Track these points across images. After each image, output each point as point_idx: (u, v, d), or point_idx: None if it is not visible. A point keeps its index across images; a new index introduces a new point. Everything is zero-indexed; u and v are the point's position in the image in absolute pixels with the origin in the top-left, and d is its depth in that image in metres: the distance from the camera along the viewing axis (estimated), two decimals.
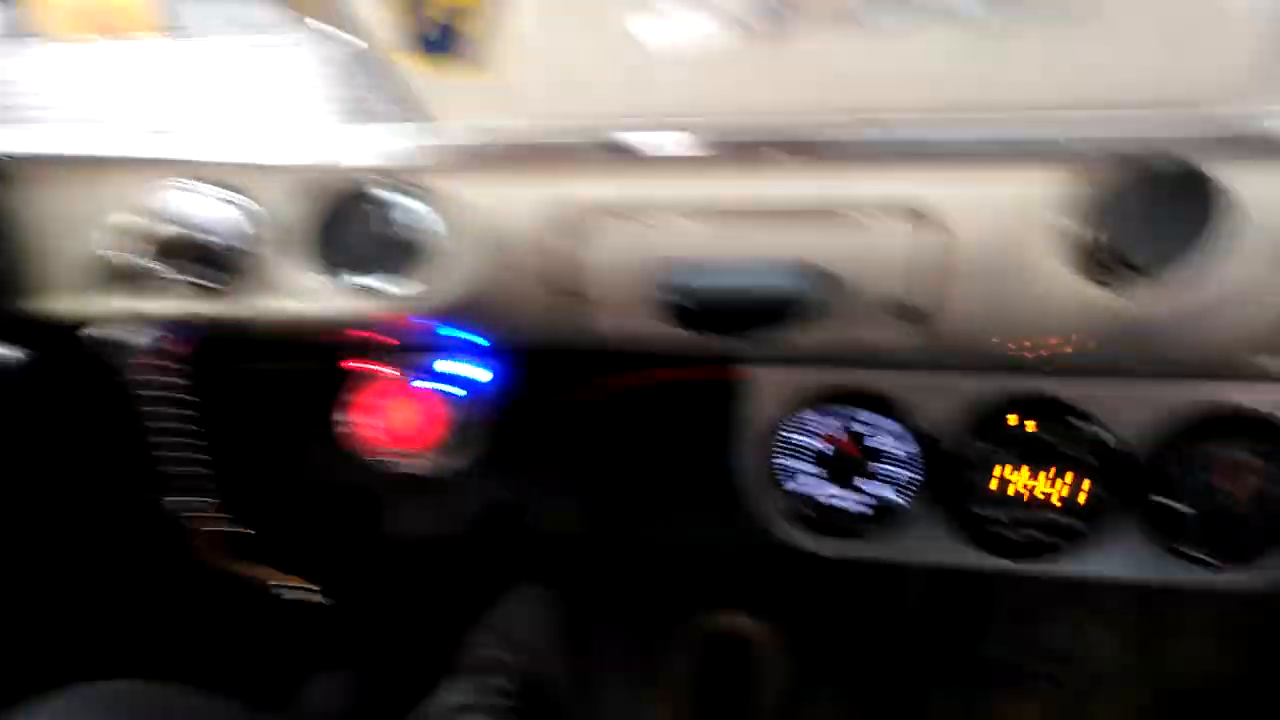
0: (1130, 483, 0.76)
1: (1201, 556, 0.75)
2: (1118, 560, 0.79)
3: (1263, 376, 0.73)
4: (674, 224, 0.60)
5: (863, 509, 0.81)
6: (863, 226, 0.58)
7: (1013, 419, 0.77)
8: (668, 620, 1.19)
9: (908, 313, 0.62)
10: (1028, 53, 0.53)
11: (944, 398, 0.79)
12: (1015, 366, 0.77)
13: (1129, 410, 0.76)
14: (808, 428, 0.81)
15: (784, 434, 0.81)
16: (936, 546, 0.82)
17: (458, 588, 1.72)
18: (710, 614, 1.13)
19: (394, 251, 0.60)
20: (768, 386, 0.82)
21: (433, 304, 0.63)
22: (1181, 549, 0.75)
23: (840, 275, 0.60)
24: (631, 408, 1.36)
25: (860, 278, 0.60)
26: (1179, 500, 0.75)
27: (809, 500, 0.82)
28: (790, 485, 0.82)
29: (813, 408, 0.81)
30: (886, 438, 0.80)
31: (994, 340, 0.64)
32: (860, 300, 0.61)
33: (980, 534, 0.80)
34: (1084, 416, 0.76)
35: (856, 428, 0.81)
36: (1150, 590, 1.59)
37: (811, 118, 0.56)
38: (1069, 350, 0.64)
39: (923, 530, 0.82)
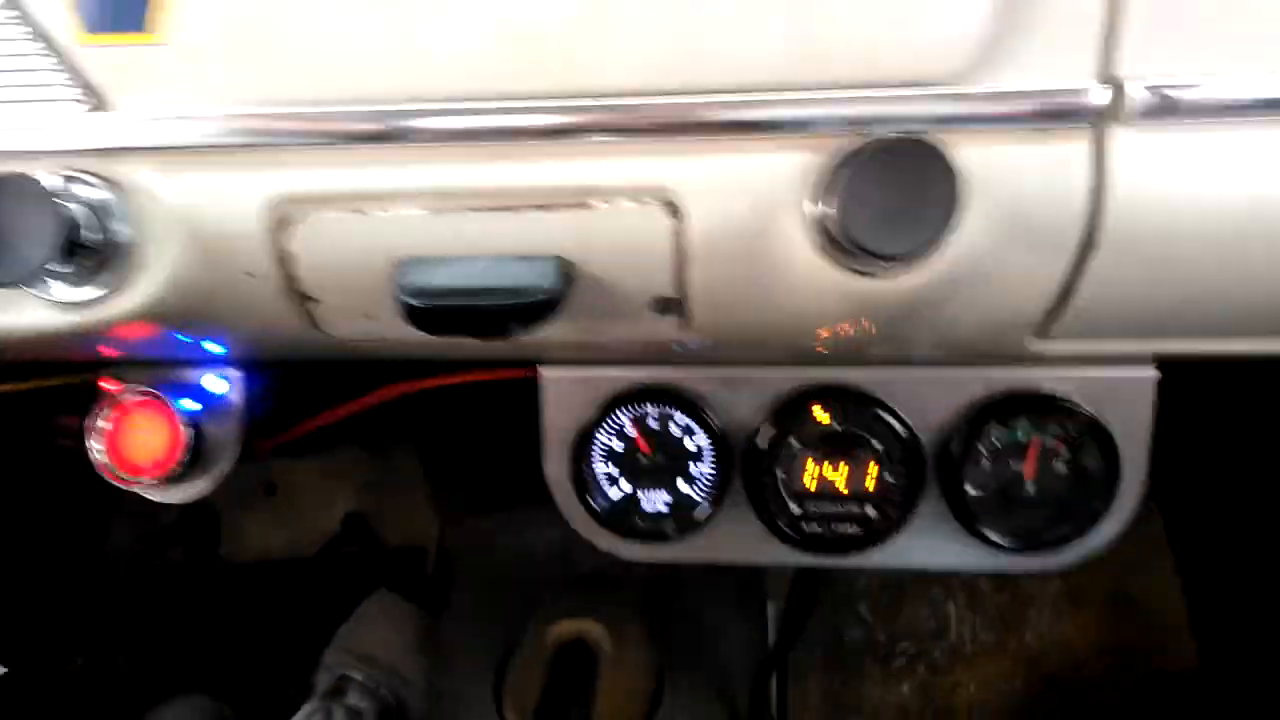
0: (926, 471, 0.73)
1: (997, 540, 0.74)
2: (928, 550, 0.77)
3: (1049, 360, 0.71)
4: (401, 216, 0.54)
5: (662, 509, 0.77)
6: (605, 214, 0.53)
7: (812, 411, 0.73)
8: (518, 628, 1.13)
9: (664, 305, 0.58)
10: (764, 32, 0.49)
11: (744, 392, 0.76)
12: (815, 359, 0.74)
13: (924, 397, 0.74)
14: (604, 428, 0.77)
15: (581, 435, 0.76)
16: (745, 545, 0.79)
17: (311, 604, 1.64)
18: (557, 621, 1.08)
19: (76, 253, 0.52)
20: (561, 387, 0.77)
21: (132, 311, 0.56)
22: (982, 533, 0.73)
23: (586, 267, 0.55)
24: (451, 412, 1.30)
25: (608, 269, 0.55)
26: (971, 485, 0.73)
27: (609, 502, 0.78)
28: (590, 487, 0.77)
29: (609, 407, 0.76)
30: (685, 435, 0.76)
31: (757, 332, 0.60)
32: (613, 293, 0.57)
33: (787, 530, 0.76)
34: (881, 406, 0.73)
35: (654, 425, 0.77)
36: None
37: (543, 99, 0.51)
38: (838, 339, 0.61)
39: (730, 529, 0.78)
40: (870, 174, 0.48)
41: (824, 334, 0.61)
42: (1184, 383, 1.44)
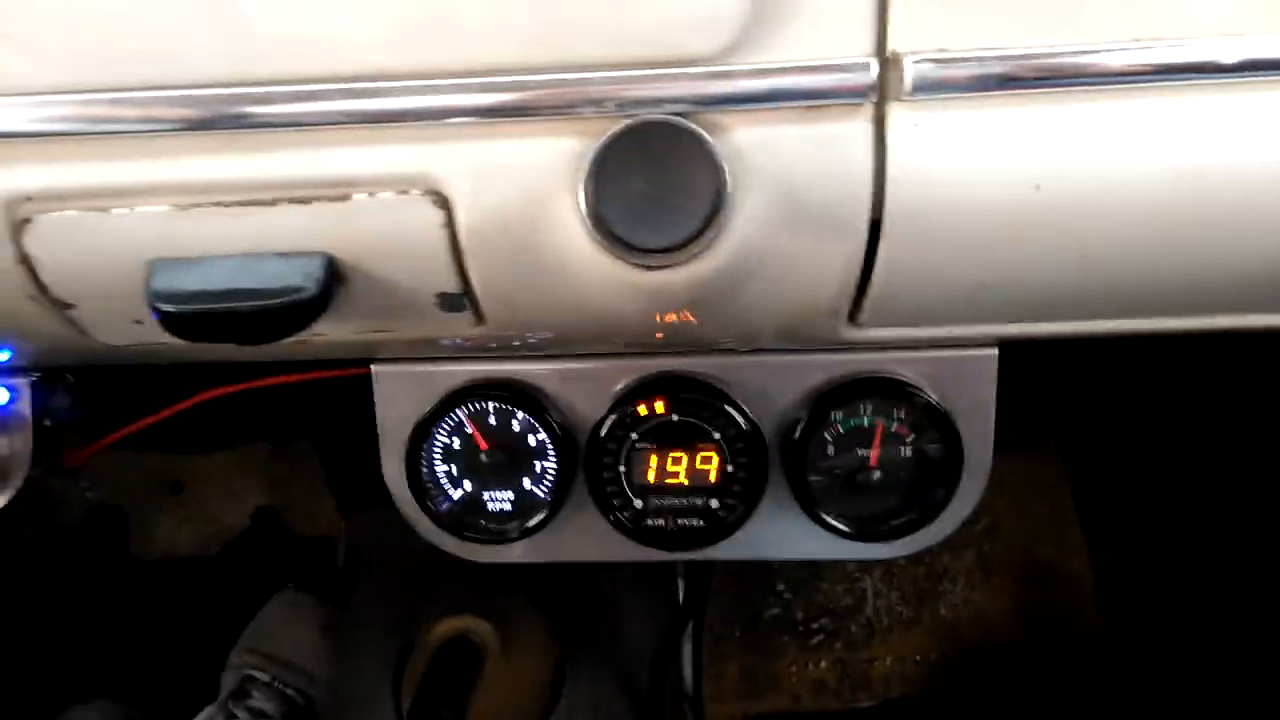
0: (769, 460, 0.71)
1: (843, 528, 0.72)
2: (775, 540, 0.75)
3: (889, 344, 0.69)
4: (146, 213, 0.50)
5: (506, 508, 0.74)
6: (369, 206, 0.50)
7: (651, 404, 0.71)
8: (410, 625, 1.10)
9: (450, 301, 0.54)
10: (515, 8, 0.45)
11: (584, 385, 0.73)
12: (655, 349, 0.71)
13: (766, 385, 0.72)
14: (441, 426, 0.74)
15: (416, 433, 0.73)
16: (591, 543, 0.76)
17: (220, 602, 1.60)
18: (441, 619, 1.05)
19: None
20: (394, 383, 0.73)
21: None
22: (825, 522, 0.71)
23: (357, 263, 0.51)
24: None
25: (380, 265, 0.52)
26: (815, 474, 0.71)
27: (451, 503, 0.75)
28: (429, 488, 0.74)
29: (445, 404, 0.73)
30: (526, 432, 0.73)
31: (557, 326, 0.57)
32: (391, 291, 0.53)
33: (632, 527, 0.74)
34: (721, 396, 0.70)
35: (493, 422, 0.74)
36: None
37: (291, 83, 0.47)
38: (648, 331, 0.58)
39: (575, 526, 0.76)
40: (626, 161, 0.45)
41: (629, 328, 0.58)
42: (1092, 358, 1.44)
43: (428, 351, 0.69)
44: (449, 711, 0.89)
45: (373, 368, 0.73)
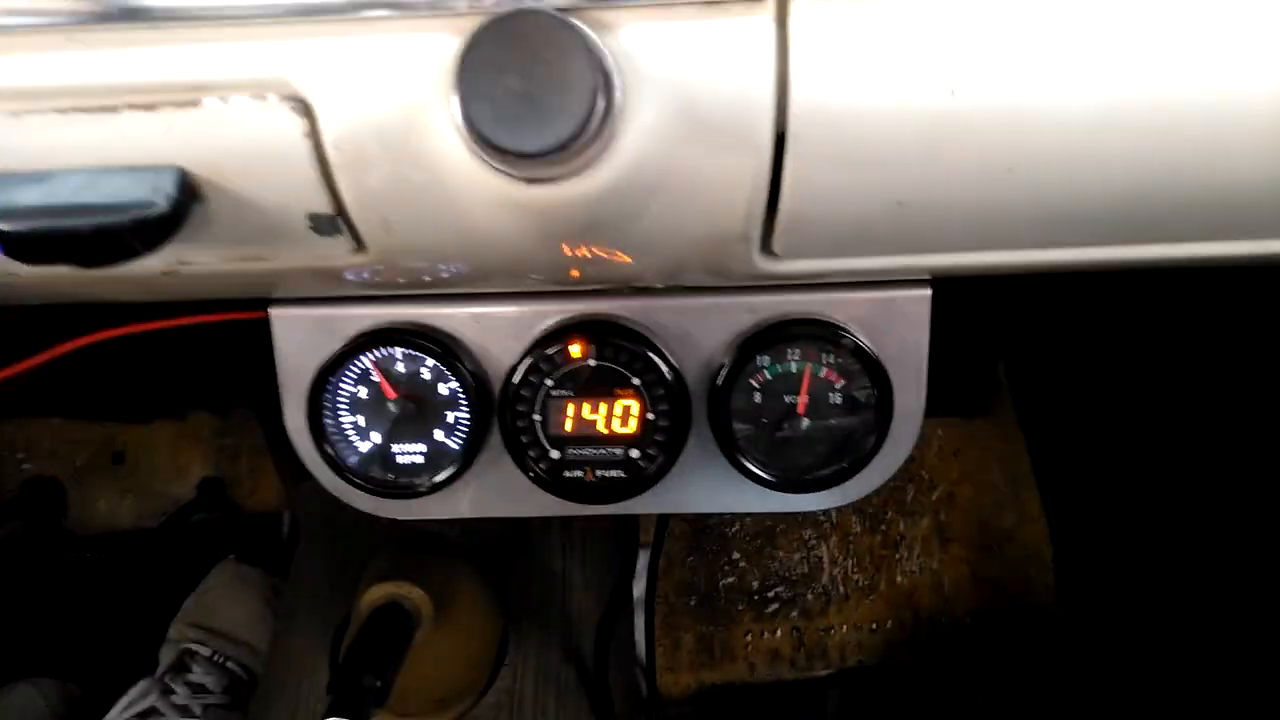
0: (693, 409, 0.67)
1: (769, 479, 0.68)
2: (699, 492, 0.72)
3: (819, 285, 0.65)
4: None
5: (417, 461, 0.70)
6: (223, 114, 0.45)
7: (567, 349, 0.67)
8: (351, 595, 1.06)
9: (322, 223, 0.50)
10: None
11: (499, 329, 0.69)
12: (574, 289, 0.67)
13: (690, 329, 0.68)
14: (346, 374, 0.69)
15: (317, 382, 0.68)
16: (507, 497, 0.72)
17: (162, 575, 1.55)
18: (373, 585, 1.01)
19: None
20: (294, 328, 0.69)
21: None
22: (750, 472, 0.68)
23: (214, 179, 0.47)
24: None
25: (240, 181, 0.47)
26: (740, 422, 0.68)
27: (358, 456, 0.70)
28: (334, 440, 0.70)
29: (349, 351, 0.68)
30: (437, 380, 0.69)
31: (446, 254, 0.53)
32: (256, 210, 0.48)
33: (551, 479, 0.70)
34: (640, 340, 0.66)
35: (401, 369, 0.69)
36: (880, 508, 1.59)
37: None
38: (547, 264, 0.54)
39: (490, 480, 0.72)
40: (497, 57, 0.41)
41: (534, 261, 0.54)
42: (1056, 323, 1.41)
43: (329, 290, 0.64)
44: (374, 678, 0.84)
45: (270, 310, 0.68)
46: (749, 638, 1.56)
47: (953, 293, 0.67)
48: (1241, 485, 1.19)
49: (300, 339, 0.69)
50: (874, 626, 1.55)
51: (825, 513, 1.59)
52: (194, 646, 1.44)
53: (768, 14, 0.43)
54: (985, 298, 1.15)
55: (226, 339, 1.28)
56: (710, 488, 0.71)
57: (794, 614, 1.58)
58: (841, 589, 1.60)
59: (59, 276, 0.53)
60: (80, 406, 1.69)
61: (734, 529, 1.62)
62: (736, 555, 1.62)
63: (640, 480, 0.70)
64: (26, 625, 1.55)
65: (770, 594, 1.59)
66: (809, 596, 1.59)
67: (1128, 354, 1.39)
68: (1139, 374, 1.37)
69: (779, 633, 1.58)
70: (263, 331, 0.71)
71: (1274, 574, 1.09)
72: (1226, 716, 1.12)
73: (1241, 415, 1.19)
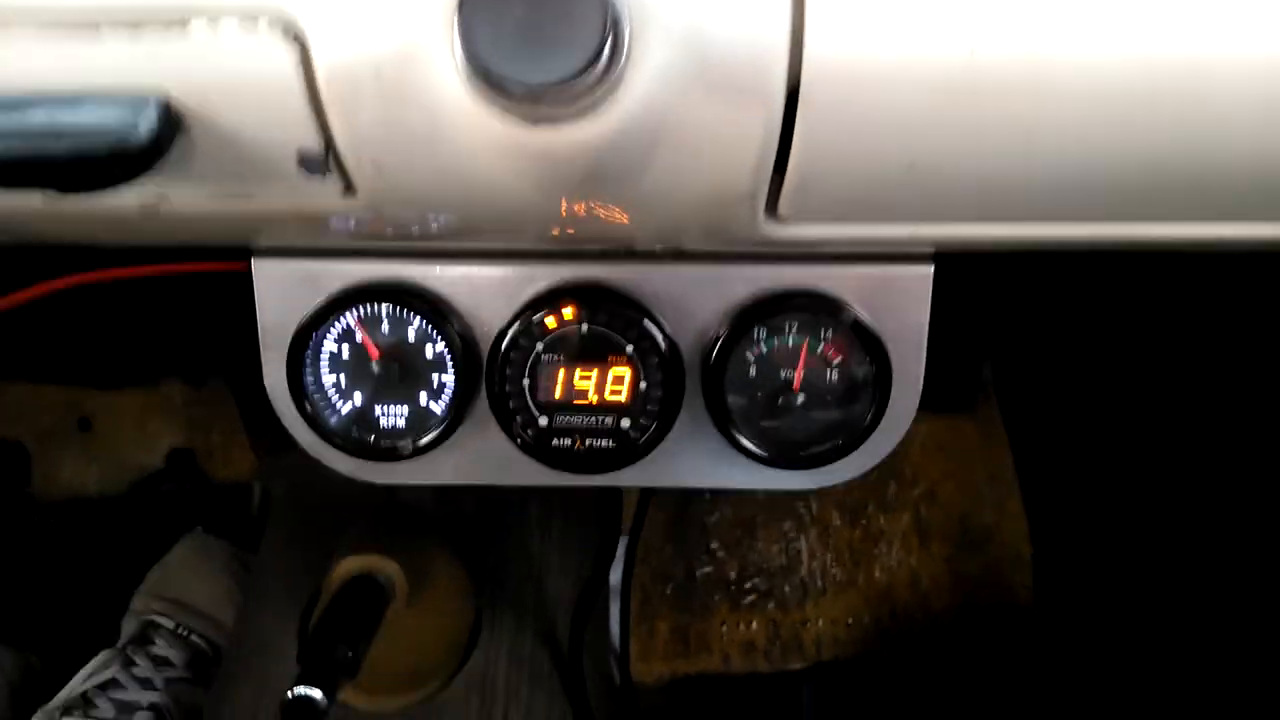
0: (686, 379, 0.65)
1: (762, 454, 0.66)
2: (690, 466, 0.70)
3: (820, 256, 0.63)
4: None
5: (399, 424, 0.68)
6: (212, 41, 0.43)
7: (560, 312, 0.65)
8: (321, 569, 1.04)
9: (312, 162, 0.47)
10: None
11: (490, 290, 0.67)
12: (569, 251, 0.65)
13: (687, 297, 0.66)
14: (329, 331, 0.67)
15: (298, 338, 0.66)
16: (492, 464, 0.70)
17: (128, 546, 1.52)
18: (347, 556, 0.99)
19: None
20: (277, 281, 0.66)
21: None
22: (743, 446, 0.66)
23: (200, 110, 0.44)
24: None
25: (227, 114, 0.45)
26: (735, 395, 0.66)
27: (339, 416, 0.68)
28: (314, 399, 0.67)
29: (332, 307, 0.66)
30: (424, 341, 0.67)
31: (442, 202, 0.51)
32: (243, 146, 0.46)
33: (538, 446, 0.68)
34: (635, 306, 0.64)
35: (386, 329, 0.67)
36: (860, 503, 1.58)
37: None
38: (550, 217, 0.52)
39: (475, 446, 0.70)
40: None
41: (531, 213, 0.52)
42: (1044, 322, 1.40)
43: (314, 240, 0.62)
44: (345, 648, 0.82)
45: (254, 262, 0.65)
46: (724, 629, 1.55)
47: (943, 290, 0.66)
48: (1222, 488, 1.19)
49: (282, 292, 0.67)
50: (850, 621, 1.54)
51: (806, 505, 1.58)
52: (157, 618, 1.41)
53: None
54: (974, 298, 1.14)
55: (199, 305, 1.25)
56: (701, 462, 0.70)
57: (770, 606, 1.57)
58: (819, 582, 1.58)
59: (29, 209, 0.51)
60: (47, 370, 1.65)
61: (714, 518, 1.61)
62: (715, 545, 1.60)
63: (630, 451, 0.68)
64: None
65: (747, 585, 1.58)
66: (786, 589, 1.58)
67: (1114, 357, 1.39)
68: (1125, 377, 1.37)
69: (755, 625, 1.57)
70: (239, 296, 0.68)
71: (1254, 575, 1.09)
72: (1204, 717, 1.11)
73: (1222, 420, 1.19)
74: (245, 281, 0.67)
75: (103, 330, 1.50)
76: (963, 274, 0.68)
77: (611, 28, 0.39)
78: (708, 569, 1.60)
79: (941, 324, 0.68)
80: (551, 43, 0.38)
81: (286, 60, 0.43)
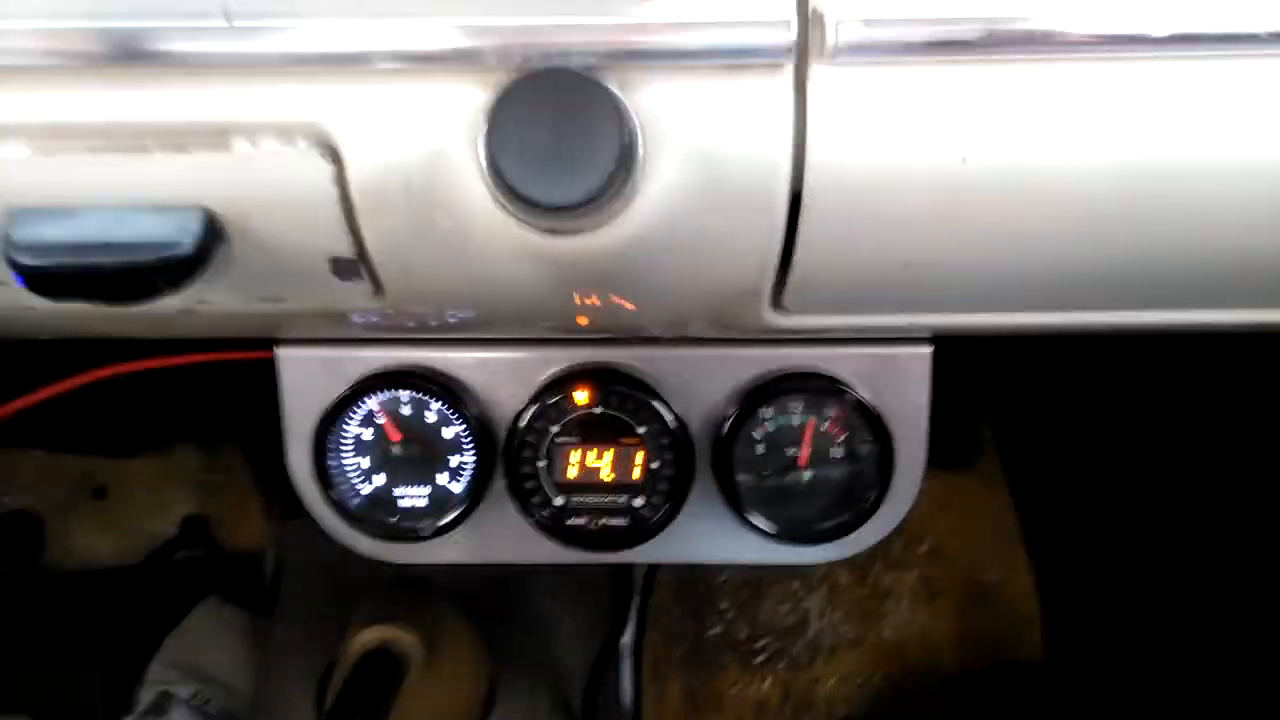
0: (696, 458, 0.68)
1: (771, 531, 0.68)
2: (702, 542, 0.72)
3: (824, 340, 0.66)
4: (3, 157, 0.46)
5: (419, 505, 0.70)
6: (252, 156, 0.46)
7: (572, 395, 0.67)
8: (337, 637, 1.05)
9: (343, 267, 0.50)
10: None
11: (505, 374, 0.69)
12: (581, 336, 0.68)
13: (695, 378, 0.69)
14: (350, 415, 0.69)
15: (323, 423, 0.68)
16: (509, 543, 0.72)
17: (142, 614, 1.52)
18: (365, 628, 1.00)
19: None
20: (301, 368, 0.69)
21: None
22: (753, 523, 0.68)
23: (240, 220, 0.47)
24: None
25: (265, 223, 0.48)
26: (744, 473, 0.68)
27: (361, 498, 0.70)
28: (337, 481, 0.70)
29: (355, 392, 0.68)
30: (441, 423, 0.69)
31: (462, 300, 0.54)
32: (279, 253, 0.49)
33: (554, 525, 0.70)
34: (646, 389, 0.67)
35: (406, 412, 0.69)
36: (868, 561, 1.59)
37: (162, 18, 0.43)
38: (564, 311, 0.55)
39: (493, 525, 0.72)
40: (526, 112, 0.42)
41: (546, 308, 0.54)
42: (1042, 378, 1.43)
43: (336, 332, 0.65)
44: None
45: (277, 350, 0.68)
46: (736, 689, 1.55)
47: (942, 351, 0.68)
48: (1226, 542, 1.20)
49: (306, 379, 0.70)
50: (861, 680, 1.54)
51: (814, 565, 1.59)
52: (173, 688, 1.41)
53: (787, 79, 0.45)
54: (973, 357, 1.17)
55: (213, 373, 1.28)
56: (713, 538, 0.72)
57: (781, 665, 1.57)
58: (829, 641, 1.59)
59: (75, 312, 0.54)
60: (62, 439, 1.67)
61: (722, 578, 1.61)
62: (724, 605, 1.61)
63: (644, 529, 0.70)
64: (1, 662, 1.52)
65: (758, 645, 1.58)
66: (796, 648, 1.58)
67: (1112, 412, 1.41)
68: (1122, 432, 1.38)
69: (766, 684, 1.56)
70: (253, 367, 0.71)
71: (1262, 631, 1.09)
72: None
73: (1224, 472, 1.21)
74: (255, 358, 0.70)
75: (116, 397, 1.52)
76: (961, 346, 0.70)
77: (629, 150, 0.42)
78: (718, 629, 1.60)
79: (941, 385, 0.70)
80: (573, 164, 0.41)
81: (322, 174, 0.47)
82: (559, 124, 0.42)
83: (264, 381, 0.71)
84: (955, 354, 0.72)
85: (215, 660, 1.45)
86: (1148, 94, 0.44)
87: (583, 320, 0.60)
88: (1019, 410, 1.58)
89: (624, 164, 0.42)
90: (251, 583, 1.58)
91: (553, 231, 0.46)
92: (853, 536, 0.69)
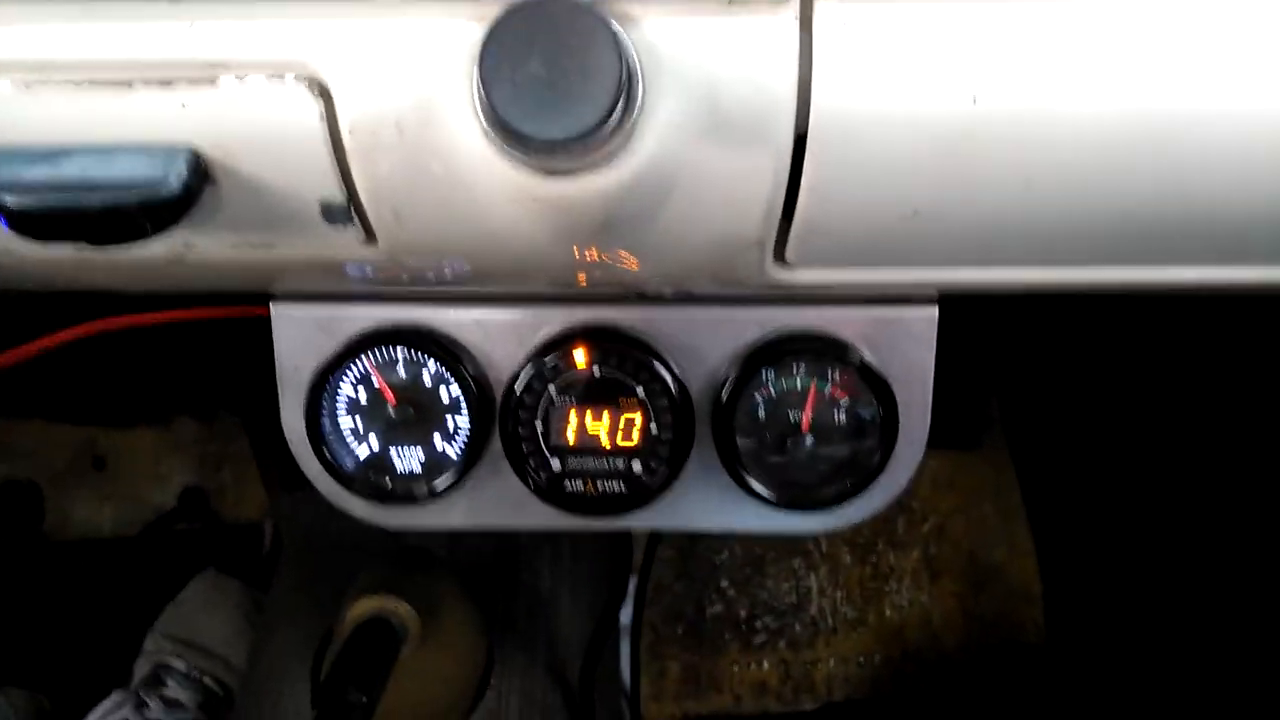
0: (696, 422, 0.66)
1: (772, 497, 0.67)
2: (701, 509, 0.71)
3: (827, 299, 0.64)
4: None
5: (415, 468, 0.69)
6: (240, 93, 0.45)
7: (571, 357, 0.66)
8: (333, 608, 1.04)
9: (334, 212, 0.49)
10: None
11: (503, 334, 0.68)
12: (581, 295, 0.66)
13: (697, 340, 0.67)
14: (345, 375, 0.68)
15: (316, 383, 0.67)
16: (505, 507, 0.71)
17: (140, 585, 1.52)
18: (360, 598, 0.99)
19: None
20: (295, 326, 0.68)
21: None
22: (752, 489, 0.67)
23: (227, 161, 0.46)
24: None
25: (253, 165, 0.46)
26: (744, 438, 0.67)
27: (356, 461, 0.69)
28: (331, 443, 0.68)
29: (349, 351, 0.67)
30: (438, 384, 0.68)
31: (457, 248, 0.52)
32: (267, 196, 0.48)
33: (550, 490, 0.69)
34: (646, 349, 0.65)
35: (402, 373, 0.68)
36: (870, 539, 1.58)
37: None
38: (560, 263, 0.53)
39: (489, 490, 0.71)
40: (521, 43, 0.40)
41: (545, 261, 0.53)
42: (1050, 358, 1.41)
43: (331, 286, 0.63)
44: (358, 692, 0.82)
45: (271, 306, 0.67)
46: (735, 668, 1.54)
47: (949, 328, 0.67)
48: (1231, 524, 1.19)
49: (300, 337, 0.68)
50: (861, 660, 1.53)
51: (815, 542, 1.58)
52: (170, 660, 1.41)
53: (792, 15, 0.43)
54: (980, 334, 1.15)
55: (212, 342, 1.27)
56: (711, 504, 0.70)
57: (781, 645, 1.56)
58: (830, 621, 1.58)
59: (60, 259, 0.52)
60: (61, 408, 1.67)
61: (723, 556, 1.61)
62: (725, 584, 1.60)
63: (641, 494, 0.69)
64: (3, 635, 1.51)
65: (758, 624, 1.57)
66: (797, 628, 1.57)
67: (1119, 392, 1.39)
68: (1131, 412, 1.37)
69: (766, 664, 1.56)
70: (251, 334, 0.70)
71: (1265, 612, 1.08)
72: None
73: (1233, 452, 1.19)
74: (258, 319, 0.69)
75: (115, 368, 1.51)
76: (968, 313, 0.69)
77: (626, 81, 0.41)
78: (718, 608, 1.60)
79: (948, 361, 0.68)
80: (569, 97, 0.40)
81: (312, 114, 0.45)
82: (554, 55, 0.40)
83: (262, 352, 0.70)
84: (963, 331, 0.71)
85: (211, 633, 1.45)
86: (1167, 31, 0.43)
87: (582, 276, 0.59)
88: (1026, 390, 1.56)
89: (622, 98, 0.41)
90: (249, 555, 1.58)
91: (549, 172, 0.45)
92: (854, 505, 0.68)
